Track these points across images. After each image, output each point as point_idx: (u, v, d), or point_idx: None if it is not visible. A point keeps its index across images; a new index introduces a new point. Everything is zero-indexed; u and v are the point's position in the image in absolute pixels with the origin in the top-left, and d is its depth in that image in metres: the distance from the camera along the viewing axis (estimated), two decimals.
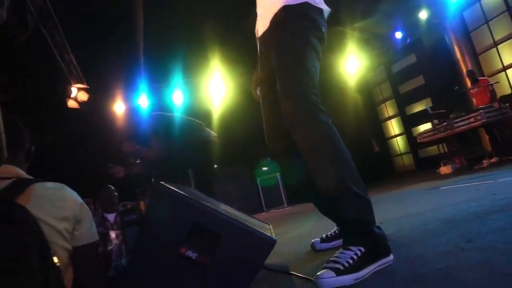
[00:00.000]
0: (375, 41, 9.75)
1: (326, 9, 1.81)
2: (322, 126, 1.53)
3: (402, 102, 10.47)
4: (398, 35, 9.22)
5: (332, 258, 1.41)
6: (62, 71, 7.03)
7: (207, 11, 6.29)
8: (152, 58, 7.36)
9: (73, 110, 7.52)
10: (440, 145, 7.70)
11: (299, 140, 1.58)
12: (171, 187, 1.46)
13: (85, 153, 7.31)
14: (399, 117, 10.79)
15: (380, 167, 10.11)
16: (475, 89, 6.71)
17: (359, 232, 1.48)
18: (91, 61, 7.30)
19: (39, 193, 1.20)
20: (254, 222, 1.73)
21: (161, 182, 1.47)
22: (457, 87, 6.96)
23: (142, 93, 8.54)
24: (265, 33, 1.82)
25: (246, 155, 8.49)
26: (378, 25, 8.91)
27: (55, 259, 1.06)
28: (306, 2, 1.71)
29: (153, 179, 3.56)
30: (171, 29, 6.51)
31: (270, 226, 1.98)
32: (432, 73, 9.06)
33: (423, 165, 9.45)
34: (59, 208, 1.23)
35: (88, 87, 7.71)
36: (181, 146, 3.32)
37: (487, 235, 1.44)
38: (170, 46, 6.87)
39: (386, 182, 7.90)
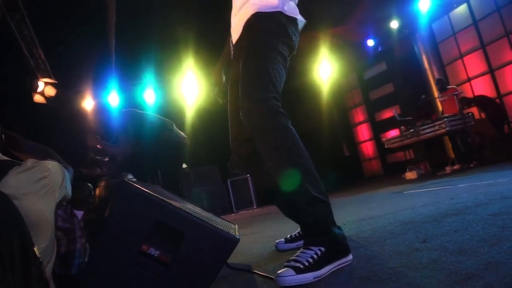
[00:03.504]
0: (348, 48, 9.94)
1: (300, 19, 1.82)
2: (280, 129, 1.53)
3: (372, 108, 10.73)
4: (370, 43, 9.45)
5: (292, 258, 1.44)
6: (29, 65, 6.82)
7: (180, 10, 6.26)
8: (123, 55, 7.26)
9: (39, 105, 7.29)
10: (407, 151, 7.94)
11: (257, 142, 1.59)
12: (134, 184, 1.45)
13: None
14: (368, 123, 11.05)
15: (349, 171, 10.31)
16: (443, 98, 6.95)
17: (319, 232, 1.52)
18: (60, 56, 7.12)
19: (17, 176, 1.16)
20: (218, 221, 1.74)
21: (125, 179, 1.46)
22: (423, 96, 7.19)
23: (113, 90, 8.38)
24: (238, 40, 1.83)
25: (218, 156, 8.46)
26: (351, 32, 9.09)
27: (36, 251, 1.04)
28: (279, 11, 1.71)
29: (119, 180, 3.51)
30: (143, 26, 6.43)
31: (236, 226, 2.00)
32: (401, 81, 9.35)
33: (391, 170, 9.71)
34: (42, 187, 1.21)
35: (56, 82, 7.51)
36: (149, 145, 3.29)
37: (440, 236, 1.51)
38: (142, 43, 6.79)
39: (354, 186, 8.08)
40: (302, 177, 1.50)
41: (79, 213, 3.73)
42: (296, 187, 1.50)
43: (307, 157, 1.56)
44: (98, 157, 3.63)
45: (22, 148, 1.51)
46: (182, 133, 3.58)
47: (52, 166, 1.29)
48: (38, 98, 7.32)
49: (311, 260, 1.41)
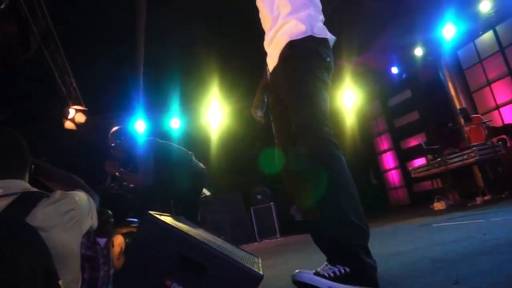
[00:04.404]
0: (371, 75, 9.93)
1: (330, 37, 1.86)
2: (334, 160, 1.59)
3: (397, 136, 10.57)
4: (394, 70, 9.40)
5: (315, 271, 1.44)
6: (61, 92, 7.09)
7: (206, 39, 6.43)
8: (151, 83, 7.46)
9: (68, 131, 7.53)
10: (434, 180, 7.72)
11: (310, 166, 1.61)
12: (159, 217, 1.45)
13: (79, 175, 7.25)
14: (394, 151, 10.86)
15: (375, 200, 10.09)
16: (469, 127, 6.80)
17: (348, 254, 1.49)
18: (90, 83, 7.38)
19: (46, 209, 1.18)
20: (242, 255, 1.72)
21: (150, 211, 1.47)
22: (451, 124, 7.05)
23: (139, 117, 8.59)
24: (275, 69, 1.88)
25: (241, 183, 8.47)
26: (375, 60, 9.10)
27: (61, 284, 1.05)
28: (310, 35, 1.76)
29: (138, 208, 3.52)
30: (170, 55, 6.63)
31: (259, 259, 1.96)
32: (427, 109, 9.20)
33: (418, 199, 9.44)
34: (69, 219, 1.22)
35: (86, 109, 7.77)
36: (169, 175, 3.31)
37: (473, 277, 1.44)
38: (169, 72, 6.98)
39: (380, 216, 7.87)
40: (346, 205, 1.53)
41: (102, 241, 3.77)
42: (338, 211, 1.52)
43: (354, 188, 1.59)
44: (113, 184, 3.64)
45: (51, 177, 1.54)
46: (200, 164, 3.59)
47: (80, 197, 1.31)
48: (68, 125, 7.57)
49: (332, 274, 1.41)
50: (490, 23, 7.55)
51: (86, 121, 7.61)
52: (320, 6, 1.94)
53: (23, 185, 1.25)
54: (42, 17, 5.26)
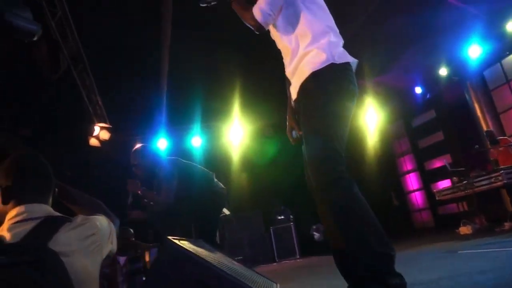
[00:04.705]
0: (395, 95, 9.82)
1: (353, 61, 1.86)
2: (346, 198, 1.58)
3: (421, 157, 10.35)
4: (418, 90, 9.28)
5: None
6: (87, 110, 7.29)
7: (228, 59, 6.53)
8: (174, 102, 7.58)
9: (92, 148, 7.70)
10: (460, 203, 7.49)
11: (320, 205, 1.64)
12: (177, 243, 1.46)
13: (101, 192, 7.37)
14: (418, 172, 10.63)
15: (398, 222, 9.86)
16: (497, 150, 6.60)
17: (376, 282, 1.45)
18: (115, 102, 7.57)
19: (68, 233, 1.20)
20: (260, 281, 1.70)
21: (169, 236, 1.48)
22: (477, 146, 6.86)
23: (162, 135, 8.72)
24: (297, 100, 1.90)
25: (262, 202, 8.44)
26: (398, 79, 9.01)
27: None
28: (331, 64, 1.76)
29: (158, 227, 3.52)
30: (193, 75, 6.75)
31: (278, 285, 1.93)
32: (452, 130, 9.01)
33: (443, 222, 9.15)
34: (90, 244, 1.24)
35: (111, 126, 7.95)
36: (190, 195, 3.33)
37: None
38: (191, 91, 7.10)
39: (404, 239, 7.66)
40: (364, 232, 1.52)
41: (122, 259, 3.79)
42: (358, 243, 1.52)
43: (370, 213, 1.58)
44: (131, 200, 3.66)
45: (74, 200, 1.57)
46: (221, 184, 3.59)
47: (101, 222, 1.33)
48: (93, 142, 7.75)
49: None
50: None
51: (110, 138, 7.78)
52: (337, 30, 1.93)
53: (46, 209, 1.28)
54: (72, 39, 5.46)
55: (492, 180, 5.85)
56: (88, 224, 1.27)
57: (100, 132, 7.73)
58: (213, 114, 8.58)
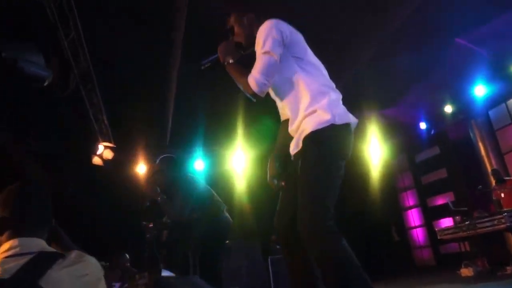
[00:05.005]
0: (399, 129, 9.84)
1: (353, 121, 1.91)
2: (334, 249, 1.67)
3: (424, 193, 10.27)
4: (422, 125, 9.30)
5: None
6: (93, 129, 7.33)
7: (234, 86, 6.59)
8: (179, 125, 7.62)
9: (95, 167, 7.70)
10: (462, 243, 7.37)
11: (310, 251, 1.76)
12: (172, 281, 1.43)
13: (100, 211, 7.33)
14: (420, 208, 10.52)
15: (399, 259, 9.69)
16: (501, 190, 6.54)
17: None
18: (121, 122, 7.62)
19: (60, 272, 1.16)
20: None
21: (161, 277, 1.45)
22: (480, 186, 6.81)
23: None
24: (296, 153, 1.94)
25: (261, 231, 8.34)
26: (402, 114, 9.04)
27: None
28: (331, 124, 1.81)
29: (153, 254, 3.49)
30: (198, 101, 6.80)
31: None
32: (456, 168, 8.98)
33: (444, 261, 9.00)
34: (82, 285, 1.21)
35: (115, 146, 7.97)
36: (202, 219, 3.31)
37: None
38: (197, 117, 7.14)
39: (404, 277, 7.52)
40: (351, 279, 1.62)
41: (117, 285, 3.74)
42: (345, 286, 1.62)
43: (356, 269, 1.65)
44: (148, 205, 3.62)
45: (62, 245, 1.53)
46: (229, 216, 3.57)
47: (95, 263, 1.30)
48: (96, 160, 7.75)
49: None
50: None
51: (114, 158, 7.78)
52: (334, 85, 1.99)
53: (40, 243, 1.25)
54: (84, 59, 5.54)
55: (495, 222, 5.76)
56: (82, 263, 1.23)
57: (104, 151, 7.75)
58: (217, 141, 8.60)
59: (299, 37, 1.98)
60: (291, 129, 1.98)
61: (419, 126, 9.33)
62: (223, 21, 2.12)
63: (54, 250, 1.26)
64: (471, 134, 8.45)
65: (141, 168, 8.49)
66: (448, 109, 8.57)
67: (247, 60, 2.00)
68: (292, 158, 2.01)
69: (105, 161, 7.82)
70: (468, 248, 7.19)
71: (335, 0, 5.62)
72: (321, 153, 1.81)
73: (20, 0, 4.43)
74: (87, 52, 5.53)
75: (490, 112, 8.37)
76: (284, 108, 2.03)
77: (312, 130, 1.82)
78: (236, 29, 2.06)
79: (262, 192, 8.60)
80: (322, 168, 1.79)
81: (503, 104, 8.10)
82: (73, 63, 5.60)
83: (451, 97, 8.51)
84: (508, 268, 5.65)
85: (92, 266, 1.26)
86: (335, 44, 6.12)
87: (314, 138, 1.82)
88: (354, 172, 9.69)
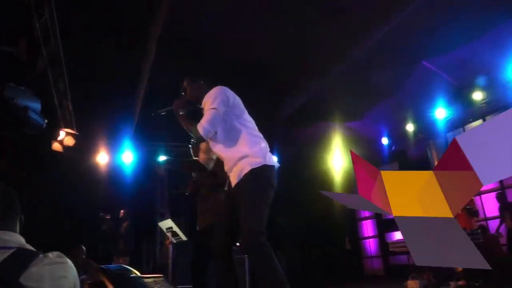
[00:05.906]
0: (362, 142, 10.14)
1: (276, 165, 2.46)
2: (265, 257, 2.13)
3: None
4: (384, 141, 9.65)
5: None
6: (56, 114, 7.07)
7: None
8: (145, 121, 7.50)
9: (53, 153, 7.42)
10: (410, 256, 7.70)
11: (250, 259, 2.36)
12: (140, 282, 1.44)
13: (57, 198, 7.09)
14: (374, 219, 10.89)
15: (349, 268, 9.99)
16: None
17: None
18: (86, 110, 7.40)
19: (41, 269, 1.14)
20: None
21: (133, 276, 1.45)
22: None
23: (127, 149, 8.54)
24: (236, 186, 2.40)
25: None
26: (366, 128, 9.34)
27: None
28: (265, 164, 2.35)
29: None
30: (170, 97, 6.72)
31: None
32: None
33: (393, 272, 9.37)
34: (60, 286, 1.19)
35: (77, 133, 7.71)
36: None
37: None
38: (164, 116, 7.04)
39: (354, 285, 7.77)
40: (276, 282, 2.10)
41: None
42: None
43: (280, 274, 2.12)
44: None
45: None
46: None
47: (73, 266, 1.29)
48: (56, 146, 7.46)
49: None
50: (481, 113, 7.89)
51: (75, 145, 7.54)
52: (262, 135, 2.53)
53: (19, 239, 1.22)
54: (54, 42, 5.35)
55: None
56: (63, 264, 1.22)
57: (64, 138, 7.48)
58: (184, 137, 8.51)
59: (239, 101, 2.53)
60: (228, 167, 2.47)
61: (381, 141, 9.67)
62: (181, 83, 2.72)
63: (32, 249, 1.23)
64: (429, 154, 8.86)
65: (102, 158, 8.28)
66: (410, 127, 8.96)
67: (193, 113, 2.62)
68: (233, 187, 2.48)
69: (66, 147, 7.56)
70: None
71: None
72: (257, 185, 2.33)
73: None
74: (59, 36, 5.34)
75: (449, 135, 8.79)
76: (221, 152, 2.51)
77: (251, 168, 2.33)
78: (188, 89, 2.66)
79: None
80: (258, 198, 2.30)
81: (461, 129, 8.53)
82: (43, 46, 5.39)
83: (413, 116, 8.89)
84: (451, 283, 5.98)
85: (72, 270, 1.25)
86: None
87: (252, 175, 2.33)
88: (317, 179, 9.91)
